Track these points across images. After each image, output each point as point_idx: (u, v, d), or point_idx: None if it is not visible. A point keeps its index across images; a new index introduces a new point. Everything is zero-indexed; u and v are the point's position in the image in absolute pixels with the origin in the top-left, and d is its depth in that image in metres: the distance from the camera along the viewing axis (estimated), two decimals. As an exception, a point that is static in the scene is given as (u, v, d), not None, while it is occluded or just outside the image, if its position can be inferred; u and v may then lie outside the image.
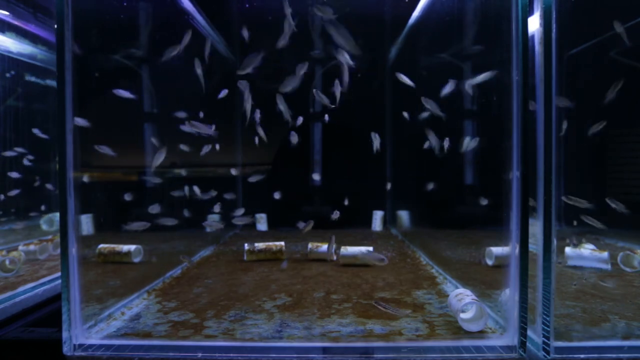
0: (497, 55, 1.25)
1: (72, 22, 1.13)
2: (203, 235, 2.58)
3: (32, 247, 2.08)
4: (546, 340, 1.11)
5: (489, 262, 1.79)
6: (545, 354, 1.11)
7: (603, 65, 2.34)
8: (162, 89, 2.14)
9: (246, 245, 2.11)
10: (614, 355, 1.09)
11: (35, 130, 2.33)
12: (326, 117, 1.76)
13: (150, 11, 1.96)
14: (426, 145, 1.45)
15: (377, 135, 1.57)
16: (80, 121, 1.23)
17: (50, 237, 2.26)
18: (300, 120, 1.75)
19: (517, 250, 1.13)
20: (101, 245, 1.94)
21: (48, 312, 1.55)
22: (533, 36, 1.14)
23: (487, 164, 1.43)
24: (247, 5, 2.54)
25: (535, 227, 1.12)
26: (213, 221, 1.44)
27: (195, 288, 1.64)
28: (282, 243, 2.16)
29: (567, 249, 1.93)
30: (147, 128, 2.12)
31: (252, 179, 1.65)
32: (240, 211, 1.35)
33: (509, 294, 1.17)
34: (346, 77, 1.32)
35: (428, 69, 2.38)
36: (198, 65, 1.40)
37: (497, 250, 1.73)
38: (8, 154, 2.24)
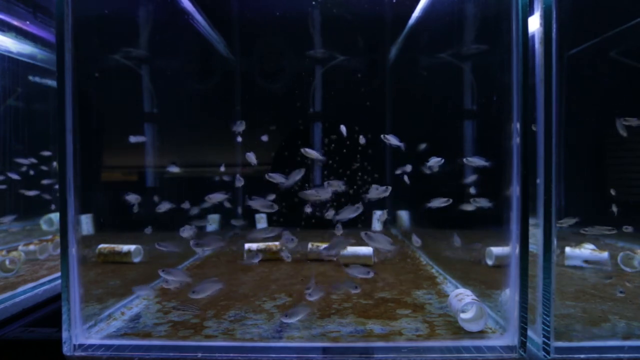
0: (497, 55, 1.24)
1: (72, 22, 1.13)
2: (203, 235, 2.58)
3: (32, 247, 2.08)
4: (546, 341, 1.11)
5: (489, 262, 1.78)
6: (545, 354, 1.10)
7: (603, 65, 2.34)
8: (162, 88, 2.15)
9: (246, 245, 2.11)
10: (614, 356, 1.09)
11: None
12: (343, 128, 1.74)
13: (150, 11, 1.96)
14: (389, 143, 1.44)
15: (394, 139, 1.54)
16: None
17: (50, 237, 2.26)
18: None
19: (517, 250, 1.13)
20: (101, 245, 1.94)
21: (48, 312, 1.55)
22: (533, 36, 1.14)
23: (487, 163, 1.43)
24: (245, 6, 2.54)
25: (535, 227, 1.12)
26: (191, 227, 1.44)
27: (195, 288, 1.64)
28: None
29: (567, 249, 1.93)
30: (147, 128, 2.12)
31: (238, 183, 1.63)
32: (291, 240, 1.37)
33: (509, 294, 1.17)
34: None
35: (428, 69, 2.38)
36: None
37: (497, 250, 1.73)
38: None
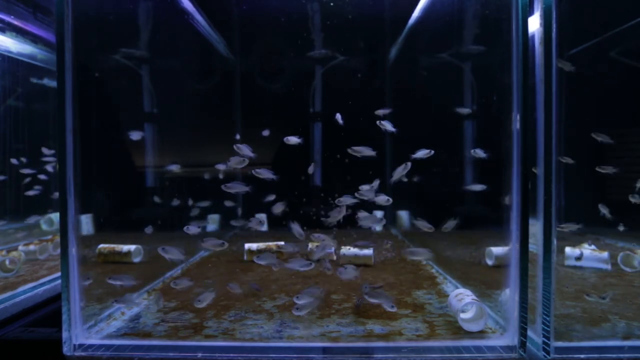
0: (497, 55, 1.24)
1: (72, 22, 1.13)
2: (203, 235, 2.57)
3: (32, 247, 2.08)
4: (546, 341, 1.11)
5: (489, 262, 1.78)
6: (545, 354, 1.11)
7: (603, 65, 2.34)
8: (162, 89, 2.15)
9: (246, 245, 2.11)
10: (614, 356, 1.09)
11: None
12: (339, 116, 1.71)
13: (150, 11, 1.96)
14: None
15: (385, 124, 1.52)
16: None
17: (50, 237, 2.26)
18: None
19: (517, 250, 1.13)
20: (101, 245, 1.94)
21: (48, 312, 1.55)
22: (533, 36, 1.14)
23: (487, 163, 1.43)
24: (245, 6, 2.54)
25: (535, 227, 1.12)
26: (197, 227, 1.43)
27: (196, 288, 1.64)
28: (282, 243, 2.16)
29: (567, 249, 1.93)
30: (147, 128, 2.12)
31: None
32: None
33: (509, 294, 1.17)
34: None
35: (428, 69, 2.37)
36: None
37: (497, 250, 1.73)
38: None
